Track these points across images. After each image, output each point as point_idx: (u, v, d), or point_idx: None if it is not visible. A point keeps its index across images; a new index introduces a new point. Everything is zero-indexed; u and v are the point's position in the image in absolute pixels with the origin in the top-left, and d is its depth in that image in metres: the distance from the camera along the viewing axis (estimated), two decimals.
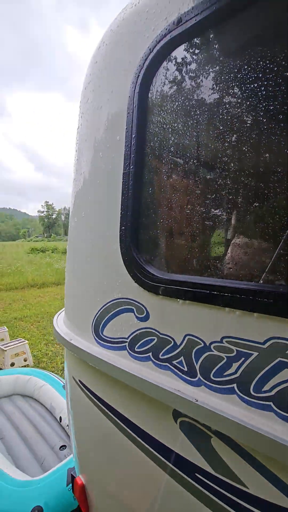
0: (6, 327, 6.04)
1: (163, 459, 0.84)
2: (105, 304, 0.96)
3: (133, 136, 0.88)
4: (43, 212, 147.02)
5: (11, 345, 4.76)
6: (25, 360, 4.89)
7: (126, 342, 0.89)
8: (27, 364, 4.88)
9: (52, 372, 4.16)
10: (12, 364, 4.67)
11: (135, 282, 0.85)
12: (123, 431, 0.97)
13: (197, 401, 0.67)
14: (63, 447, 2.76)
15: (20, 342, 4.90)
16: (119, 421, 0.98)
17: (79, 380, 1.14)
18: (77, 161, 1.21)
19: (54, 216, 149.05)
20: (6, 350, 4.64)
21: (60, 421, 3.12)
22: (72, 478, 1.68)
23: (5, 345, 4.76)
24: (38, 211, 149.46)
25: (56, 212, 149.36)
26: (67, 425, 2.99)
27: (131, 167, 0.88)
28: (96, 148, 1.06)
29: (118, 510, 1.17)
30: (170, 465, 0.82)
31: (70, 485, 2.16)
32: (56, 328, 1.25)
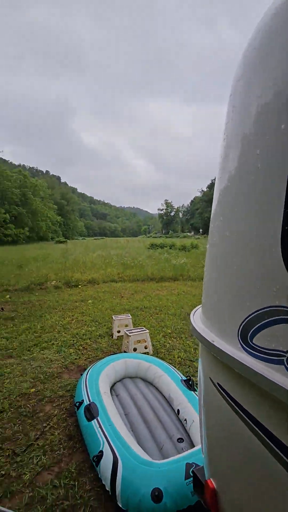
0: (130, 315, 6.72)
1: None
2: (257, 311, 0.89)
3: None
4: (162, 210, 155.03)
5: (135, 332, 5.25)
6: (145, 348, 5.29)
7: (284, 356, 0.80)
8: (147, 352, 5.27)
9: (170, 364, 4.34)
10: (135, 349, 5.14)
11: None
12: (265, 444, 0.89)
13: None
14: (180, 439, 2.83)
15: (142, 330, 5.34)
16: (260, 433, 0.90)
17: (217, 383, 1.12)
18: (224, 158, 1.17)
19: (172, 214, 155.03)
20: (130, 336, 5.14)
21: (178, 414, 3.21)
22: (194, 476, 1.69)
23: (130, 331, 5.29)
24: (158, 209, 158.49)
25: (174, 210, 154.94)
26: (185, 419, 3.06)
27: None
28: (251, 143, 0.99)
29: None
30: None
31: (190, 480, 2.19)
32: (194, 326, 1.25)
